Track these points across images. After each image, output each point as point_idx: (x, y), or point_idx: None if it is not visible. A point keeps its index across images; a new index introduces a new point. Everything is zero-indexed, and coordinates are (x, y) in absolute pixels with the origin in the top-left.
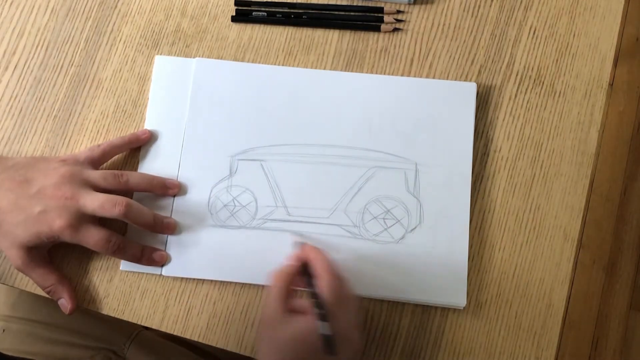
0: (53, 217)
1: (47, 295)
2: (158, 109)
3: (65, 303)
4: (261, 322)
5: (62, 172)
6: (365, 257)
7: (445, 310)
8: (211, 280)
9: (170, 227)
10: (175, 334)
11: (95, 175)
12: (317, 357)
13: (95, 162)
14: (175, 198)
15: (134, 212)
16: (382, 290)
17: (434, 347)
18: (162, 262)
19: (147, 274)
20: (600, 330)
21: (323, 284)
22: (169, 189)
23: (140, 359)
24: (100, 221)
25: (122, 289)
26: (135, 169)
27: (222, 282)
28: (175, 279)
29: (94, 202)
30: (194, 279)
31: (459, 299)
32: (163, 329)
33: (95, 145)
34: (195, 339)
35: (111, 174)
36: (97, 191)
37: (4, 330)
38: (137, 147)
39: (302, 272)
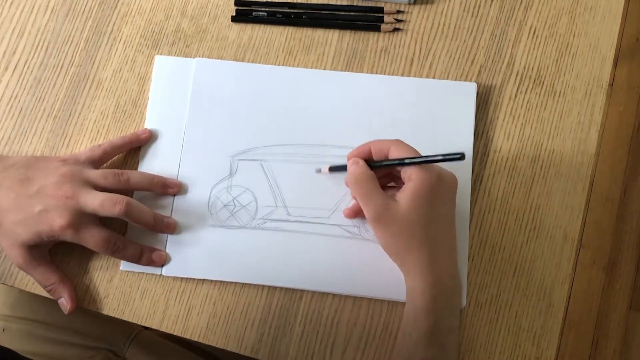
0: (53, 217)
1: (47, 295)
2: (158, 109)
3: (65, 302)
4: (375, 223)
5: (63, 171)
6: (366, 257)
7: None
8: (211, 280)
9: (170, 227)
10: (175, 334)
11: (96, 174)
12: (438, 204)
13: (96, 162)
14: (175, 198)
15: (134, 210)
16: (383, 290)
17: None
18: (162, 262)
19: (147, 274)
20: (600, 330)
21: (396, 150)
22: (169, 188)
23: (140, 359)
24: (102, 221)
25: (122, 289)
26: (136, 169)
27: (222, 282)
28: (175, 279)
29: (95, 201)
30: (193, 279)
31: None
32: (163, 329)
33: (96, 145)
34: (195, 339)
35: (111, 173)
36: (98, 190)
37: (3, 330)
38: (138, 146)
39: (374, 164)
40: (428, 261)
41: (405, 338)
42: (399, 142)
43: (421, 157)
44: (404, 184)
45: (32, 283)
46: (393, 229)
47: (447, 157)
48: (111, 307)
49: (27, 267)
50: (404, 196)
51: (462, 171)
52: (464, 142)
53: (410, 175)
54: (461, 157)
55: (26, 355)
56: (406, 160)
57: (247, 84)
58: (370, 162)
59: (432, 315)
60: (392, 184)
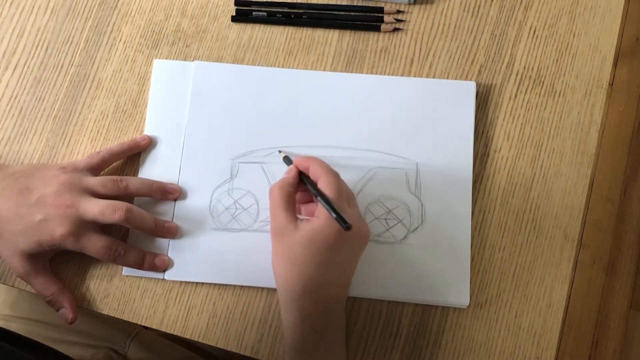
0: (54, 226)
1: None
2: (157, 113)
3: (66, 312)
4: (272, 236)
5: (62, 180)
6: (367, 257)
7: (445, 310)
8: None
9: (171, 231)
10: (175, 333)
11: (95, 182)
12: (334, 253)
13: (95, 169)
14: (177, 202)
15: (135, 217)
16: (385, 290)
17: (434, 347)
18: (164, 267)
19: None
20: (600, 330)
21: (324, 184)
22: (169, 193)
23: (141, 357)
24: (102, 229)
25: (122, 289)
26: (136, 174)
27: (222, 283)
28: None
29: (94, 209)
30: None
31: (462, 298)
32: (163, 329)
33: (95, 152)
34: (195, 339)
35: (110, 180)
36: (97, 198)
37: None
38: (137, 152)
39: (301, 182)
40: (299, 296)
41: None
42: (331, 177)
43: (320, 194)
44: None
45: None
46: (282, 251)
47: (337, 217)
48: (111, 307)
49: (27, 276)
50: (304, 229)
51: (462, 171)
52: (465, 141)
53: (319, 213)
54: (347, 228)
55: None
56: (316, 194)
57: (246, 86)
58: (304, 177)
59: (304, 353)
60: None
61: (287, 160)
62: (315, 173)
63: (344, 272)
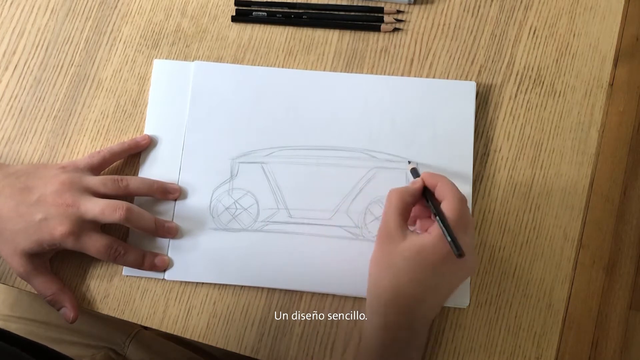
0: (54, 225)
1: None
2: (157, 113)
3: (67, 312)
4: (378, 237)
5: (62, 179)
6: (367, 258)
7: (445, 310)
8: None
9: (171, 231)
10: (175, 333)
11: (95, 181)
12: (434, 273)
13: (95, 169)
14: (177, 202)
15: (135, 216)
16: None
17: (434, 347)
18: (164, 267)
19: (147, 273)
20: (600, 330)
21: (448, 205)
22: (169, 193)
23: (141, 358)
24: (102, 228)
25: (122, 289)
26: (136, 174)
27: (222, 283)
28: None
29: (95, 208)
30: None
31: (463, 299)
32: (163, 329)
33: (95, 151)
34: (195, 339)
35: (111, 180)
36: (98, 197)
37: None
38: (137, 152)
39: (423, 196)
40: (388, 304)
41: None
42: (444, 182)
43: (442, 218)
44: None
45: None
46: (382, 255)
47: (452, 241)
48: (111, 307)
49: (27, 276)
50: (411, 242)
51: (462, 171)
52: (465, 141)
53: (433, 230)
54: (459, 255)
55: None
56: (434, 211)
57: (247, 86)
58: (428, 192)
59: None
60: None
61: (415, 172)
62: (441, 192)
63: (438, 295)
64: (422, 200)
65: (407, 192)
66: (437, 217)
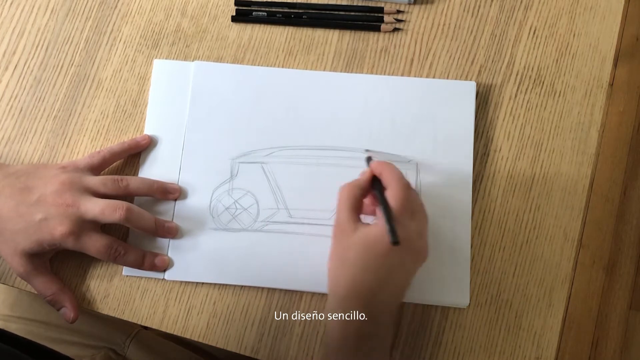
0: (54, 225)
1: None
2: (157, 113)
3: (67, 312)
4: (332, 234)
5: (62, 179)
6: None
7: (445, 310)
8: None
9: (171, 231)
10: (175, 334)
11: (95, 181)
12: (383, 262)
13: (95, 169)
14: (177, 202)
15: (135, 216)
16: None
17: (434, 347)
18: (164, 267)
19: (147, 273)
20: (600, 330)
21: (392, 193)
22: (169, 193)
23: (141, 357)
24: (102, 228)
25: (122, 289)
26: (136, 174)
27: (222, 283)
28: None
29: (95, 208)
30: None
31: (463, 298)
32: (163, 329)
33: (95, 151)
34: (195, 339)
35: (111, 180)
36: (98, 197)
37: None
38: (138, 152)
39: (372, 186)
40: (344, 296)
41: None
42: (388, 169)
43: (384, 202)
44: None
45: None
46: (337, 249)
47: (389, 228)
48: (111, 307)
49: (27, 276)
50: (361, 232)
51: (463, 171)
52: (465, 141)
53: (379, 220)
54: (393, 242)
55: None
56: (380, 198)
57: (247, 86)
58: (376, 182)
59: (341, 354)
60: None
61: (368, 161)
62: (386, 180)
63: (394, 284)
64: (373, 190)
65: (356, 185)
66: (381, 205)
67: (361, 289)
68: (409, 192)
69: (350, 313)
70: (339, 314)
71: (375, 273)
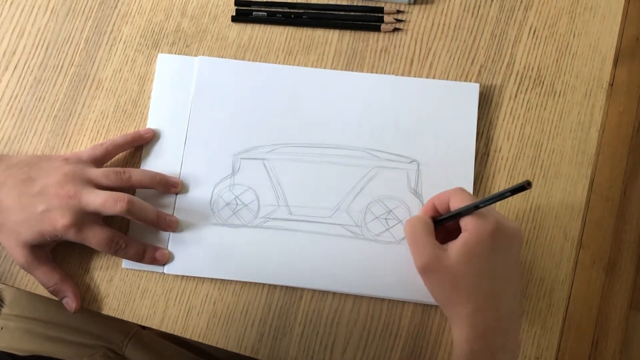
0: (56, 216)
1: (50, 295)
2: (161, 107)
3: (70, 302)
4: (422, 270)
5: (65, 170)
6: (366, 257)
7: None
8: (211, 280)
9: (172, 225)
10: (175, 333)
11: (98, 173)
12: (489, 259)
13: (98, 161)
14: (178, 196)
15: (137, 208)
16: (384, 290)
17: (434, 347)
18: (164, 260)
19: (147, 272)
20: (600, 330)
21: (457, 199)
22: (171, 186)
23: (139, 357)
24: (104, 220)
25: (122, 289)
26: (138, 167)
27: (222, 282)
28: (175, 278)
29: (97, 200)
30: (194, 278)
31: None
32: (163, 329)
33: (98, 143)
34: (195, 339)
35: (113, 172)
36: (100, 189)
37: (2, 328)
38: (140, 145)
39: (435, 220)
40: (470, 315)
41: None
42: (458, 192)
43: (480, 201)
44: None
45: (32, 283)
46: (439, 279)
47: (513, 190)
48: (111, 307)
49: (29, 267)
50: (455, 247)
51: (464, 172)
52: (466, 142)
53: (466, 225)
54: (528, 185)
55: (25, 355)
56: (464, 209)
57: (250, 82)
58: (435, 218)
59: None
60: None
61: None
62: (441, 202)
63: (511, 279)
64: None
65: (424, 215)
66: (463, 213)
67: (484, 297)
68: (466, 190)
69: (479, 327)
70: (469, 331)
71: (491, 274)
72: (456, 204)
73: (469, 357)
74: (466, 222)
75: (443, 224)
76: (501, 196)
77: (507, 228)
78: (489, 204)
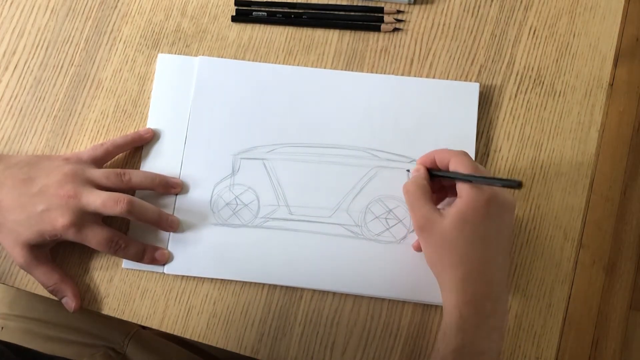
0: (56, 216)
1: (49, 295)
2: (161, 107)
3: (69, 301)
4: (418, 231)
5: (65, 170)
6: (367, 256)
7: None
8: (211, 280)
9: (173, 225)
10: (175, 333)
11: (98, 173)
12: (483, 228)
13: (98, 161)
14: (178, 196)
15: (137, 209)
16: (384, 290)
17: (434, 347)
18: (164, 260)
19: (147, 272)
20: (600, 330)
21: (458, 163)
22: (171, 187)
23: (140, 357)
24: (104, 221)
25: (122, 289)
26: (138, 168)
27: (222, 282)
28: (175, 278)
29: (97, 200)
30: (194, 278)
31: None
32: (163, 329)
33: (98, 144)
34: (195, 339)
35: (114, 173)
36: (100, 190)
37: (2, 328)
38: (140, 145)
39: (432, 176)
40: (461, 280)
41: (435, 352)
42: (460, 155)
43: (473, 176)
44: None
45: (32, 283)
46: (433, 242)
47: (504, 183)
48: (111, 307)
49: (28, 266)
50: (450, 212)
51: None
52: (466, 142)
53: (461, 192)
54: (518, 185)
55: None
56: (459, 176)
57: (250, 82)
58: (432, 170)
59: (461, 333)
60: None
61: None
62: (442, 159)
63: (502, 248)
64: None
65: (419, 177)
66: (459, 178)
67: (474, 263)
68: (468, 156)
69: (469, 292)
70: (458, 296)
71: (483, 242)
72: (455, 167)
73: (458, 323)
74: (461, 189)
75: (438, 179)
76: (491, 182)
77: (501, 198)
78: (480, 184)
